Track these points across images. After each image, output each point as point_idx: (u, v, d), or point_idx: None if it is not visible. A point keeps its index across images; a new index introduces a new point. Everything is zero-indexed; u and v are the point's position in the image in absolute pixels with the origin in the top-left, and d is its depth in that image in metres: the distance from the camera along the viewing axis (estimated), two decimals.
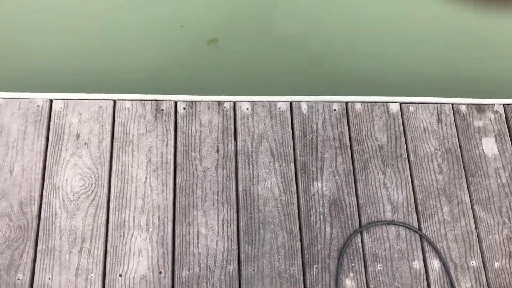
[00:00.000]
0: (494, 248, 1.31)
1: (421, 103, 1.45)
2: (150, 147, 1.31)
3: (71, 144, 1.29)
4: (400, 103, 1.45)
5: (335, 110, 1.41)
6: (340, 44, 2.01)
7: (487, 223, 1.34)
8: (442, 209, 1.33)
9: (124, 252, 1.20)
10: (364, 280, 1.24)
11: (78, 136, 1.30)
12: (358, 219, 1.29)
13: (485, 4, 2.11)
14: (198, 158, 1.31)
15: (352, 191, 1.32)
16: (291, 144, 1.36)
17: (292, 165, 1.33)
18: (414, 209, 1.33)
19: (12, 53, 1.87)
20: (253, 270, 1.22)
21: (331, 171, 1.34)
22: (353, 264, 1.25)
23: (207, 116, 1.36)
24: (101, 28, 1.93)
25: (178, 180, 1.28)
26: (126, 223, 1.23)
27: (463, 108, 1.46)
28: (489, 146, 1.42)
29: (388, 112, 1.43)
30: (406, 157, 1.38)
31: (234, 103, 1.39)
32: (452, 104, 1.46)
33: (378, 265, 1.26)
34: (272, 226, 1.26)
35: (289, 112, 1.39)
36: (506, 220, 1.34)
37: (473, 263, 1.29)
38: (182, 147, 1.32)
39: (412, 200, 1.33)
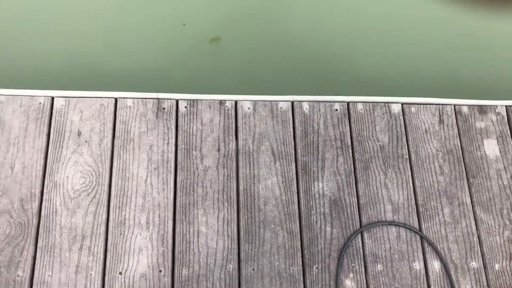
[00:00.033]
0: (495, 249, 1.31)
1: (423, 103, 1.45)
2: (151, 146, 1.31)
3: (72, 141, 1.29)
4: (402, 104, 1.44)
5: (336, 110, 1.41)
6: (341, 44, 2.01)
7: (488, 225, 1.33)
8: (443, 210, 1.33)
9: (124, 250, 1.20)
10: (364, 280, 1.24)
11: (79, 133, 1.30)
12: (358, 220, 1.29)
13: (486, 5, 2.10)
14: (199, 156, 1.31)
15: (353, 191, 1.32)
16: (292, 144, 1.35)
17: (293, 164, 1.33)
18: (415, 210, 1.32)
19: (13, 53, 1.87)
20: (253, 269, 1.22)
21: (332, 171, 1.33)
22: (353, 264, 1.25)
23: (209, 115, 1.36)
24: (101, 27, 1.92)
25: (178, 179, 1.28)
26: (127, 221, 1.23)
27: (465, 109, 1.46)
28: (491, 147, 1.42)
29: (389, 112, 1.42)
30: (408, 157, 1.38)
31: (236, 102, 1.39)
32: (454, 105, 1.46)
33: (378, 266, 1.25)
34: (272, 225, 1.26)
35: (290, 112, 1.39)
36: (507, 222, 1.34)
37: (474, 264, 1.28)
38: (183, 146, 1.32)
39: (413, 201, 1.33)
